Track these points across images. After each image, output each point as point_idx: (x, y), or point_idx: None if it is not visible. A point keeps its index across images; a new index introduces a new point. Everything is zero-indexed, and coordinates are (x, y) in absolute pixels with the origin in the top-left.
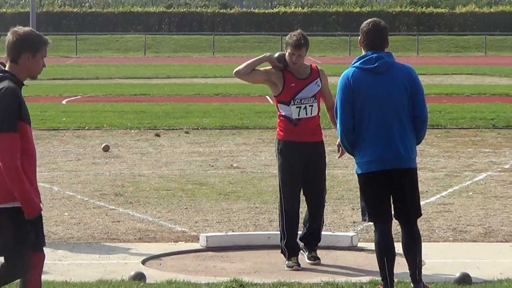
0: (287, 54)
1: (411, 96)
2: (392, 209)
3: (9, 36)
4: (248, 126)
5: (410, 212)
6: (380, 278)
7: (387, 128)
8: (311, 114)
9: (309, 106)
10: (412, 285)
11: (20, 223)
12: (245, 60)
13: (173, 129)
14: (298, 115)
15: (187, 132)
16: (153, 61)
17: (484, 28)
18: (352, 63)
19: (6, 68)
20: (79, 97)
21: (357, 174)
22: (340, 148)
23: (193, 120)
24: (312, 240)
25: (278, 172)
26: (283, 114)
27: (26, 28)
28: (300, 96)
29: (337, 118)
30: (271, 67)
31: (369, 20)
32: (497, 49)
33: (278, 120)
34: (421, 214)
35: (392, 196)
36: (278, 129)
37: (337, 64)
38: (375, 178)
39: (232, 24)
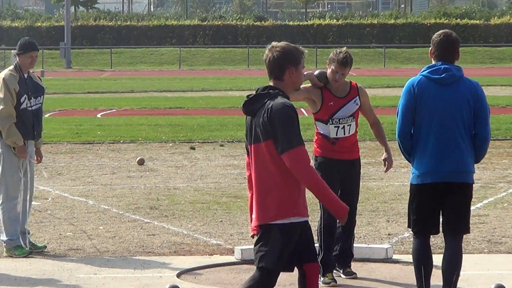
0: (329, 70)
1: (474, 112)
2: (441, 221)
3: (268, 54)
4: None
5: (459, 227)
6: None
7: (445, 141)
8: (348, 134)
9: (347, 125)
10: None
11: (289, 240)
12: None
13: (208, 142)
14: (336, 135)
15: (222, 145)
16: (188, 74)
17: None
18: (421, 71)
19: (271, 84)
20: (114, 110)
21: (411, 184)
22: (386, 163)
23: (228, 133)
24: (345, 258)
25: None
26: (321, 132)
27: (282, 43)
28: (338, 115)
29: (397, 123)
30: (310, 84)
31: (441, 31)
32: None
33: (316, 138)
34: (469, 232)
35: (443, 209)
36: (315, 146)
37: (371, 76)
38: (428, 190)
39: (266, 36)
